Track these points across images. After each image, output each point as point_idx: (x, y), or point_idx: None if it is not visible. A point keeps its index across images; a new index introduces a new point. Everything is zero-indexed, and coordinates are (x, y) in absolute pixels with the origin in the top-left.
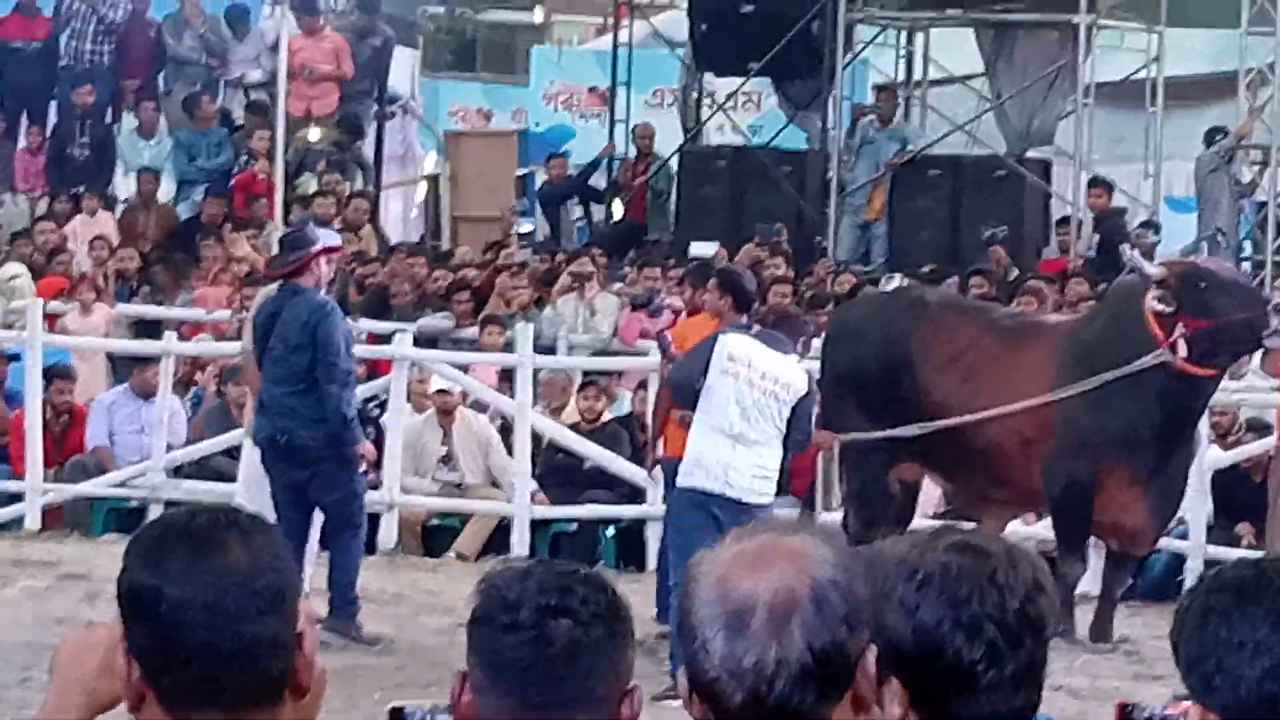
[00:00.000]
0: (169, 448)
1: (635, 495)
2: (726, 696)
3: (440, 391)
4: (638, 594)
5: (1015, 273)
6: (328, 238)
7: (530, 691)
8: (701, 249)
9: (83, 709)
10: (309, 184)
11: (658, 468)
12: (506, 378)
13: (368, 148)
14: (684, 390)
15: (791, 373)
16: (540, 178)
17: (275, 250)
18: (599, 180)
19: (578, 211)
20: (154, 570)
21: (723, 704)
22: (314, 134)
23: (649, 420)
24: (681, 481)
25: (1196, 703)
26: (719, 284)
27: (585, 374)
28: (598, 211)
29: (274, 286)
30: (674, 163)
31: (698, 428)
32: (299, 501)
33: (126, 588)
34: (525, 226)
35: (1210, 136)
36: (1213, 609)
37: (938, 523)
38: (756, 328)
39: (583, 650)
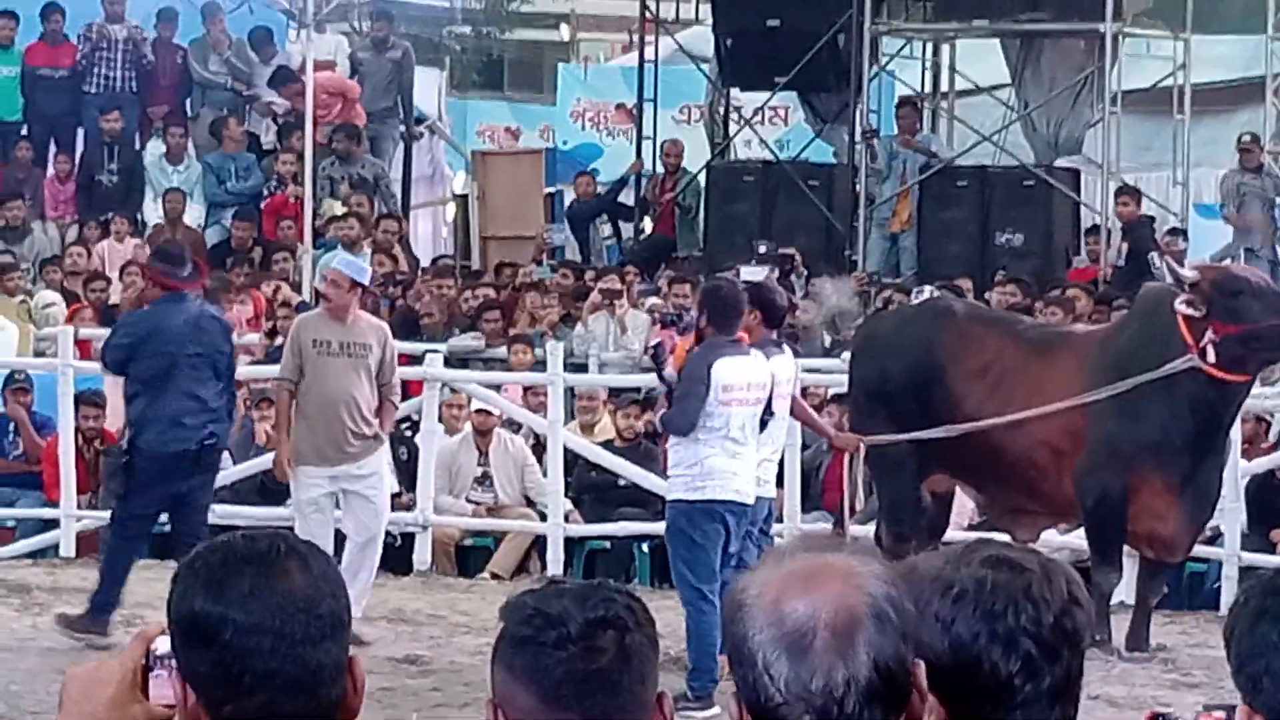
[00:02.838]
0: None
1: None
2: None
3: (480, 411)
4: (673, 609)
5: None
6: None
7: (588, 704)
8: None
9: None
10: (333, 207)
11: None
12: (533, 396)
13: (395, 168)
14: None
15: (773, 371)
16: (569, 196)
17: (187, 266)
18: (627, 197)
19: (607, 229)
20: (217, 596)
21: None
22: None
23: None
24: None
25: (1244, 704)
26: (749, 300)
27: (617, 390)
28: (626, 229)
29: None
30: (702, 178)
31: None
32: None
33: (186, 614)
34: (557, 239)
35: (1240, 142)
36: (1266, 611)
37: (972, 535)
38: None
39: (632, 657)
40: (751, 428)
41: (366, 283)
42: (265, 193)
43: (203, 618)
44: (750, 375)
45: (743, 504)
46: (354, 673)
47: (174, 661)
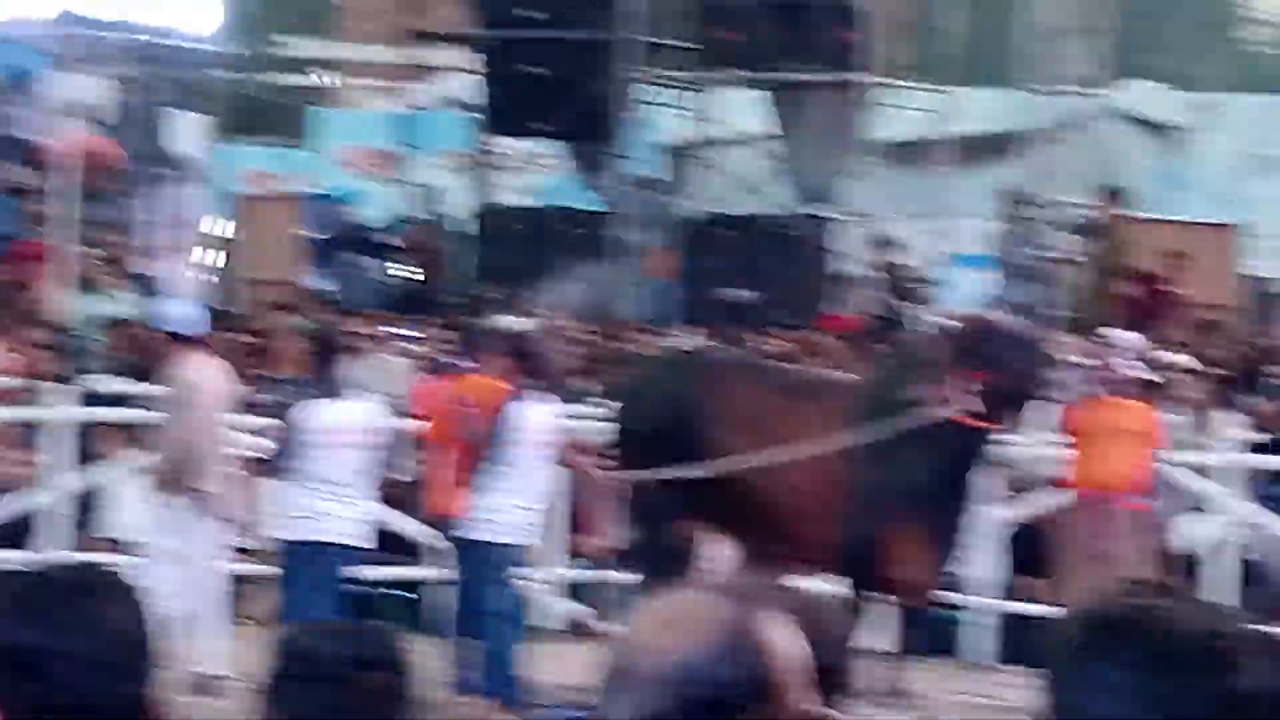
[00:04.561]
0: None
1: (426, 557)
2: None
3: None
4: (428, 658)
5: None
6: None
7: None
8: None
9: None
10: (86, 249)
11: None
12: None
13: (143, 209)
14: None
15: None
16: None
17: None
18: (391, 240)
19: (369, 265)
20: (29, 624)
21: None
22: None
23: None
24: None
25: None
26: (506, 349)
27: None
28: (389, 270)
29: None
30: (465, 225)
31: (496, 491)
32: None
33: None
34: (316, 283)
35: (1008, 193)
36: (1086, 644)
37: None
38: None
39: (392, 698)
40: (357, 472)
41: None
42: (17, 234)
43: (14, 647)
44: (356, 419)
45: (342, 546)
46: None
47: None
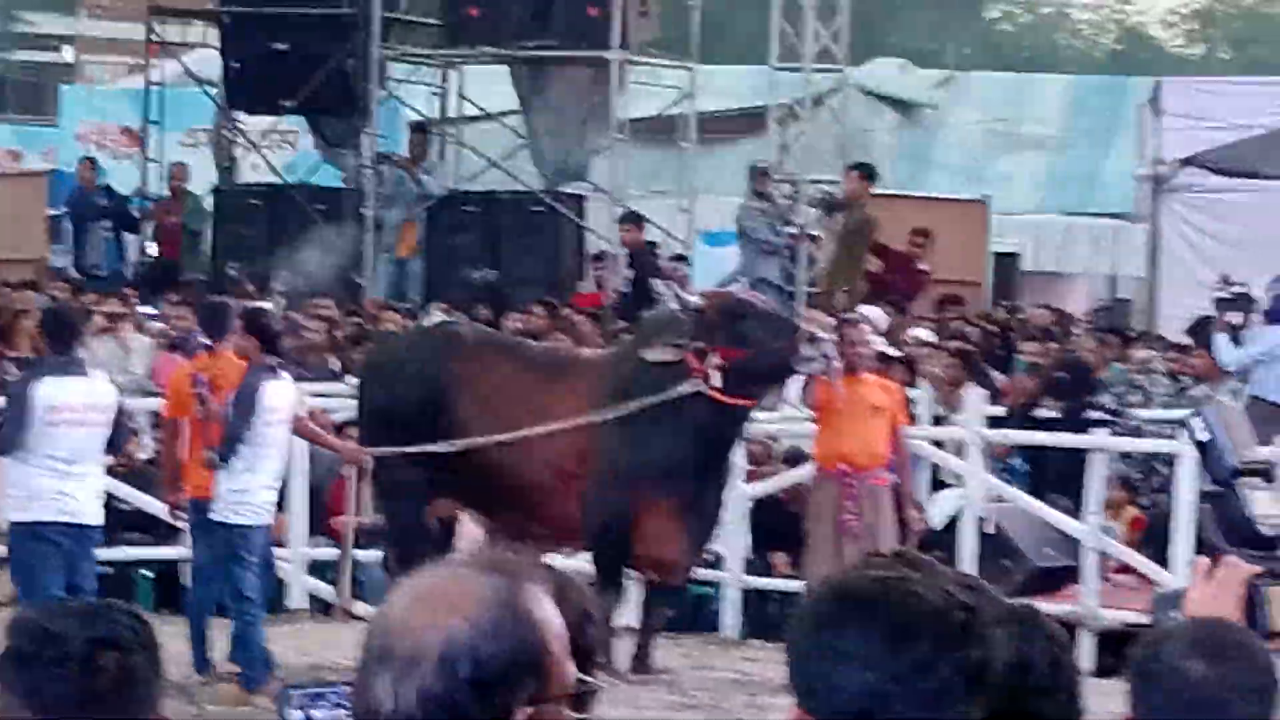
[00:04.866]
0: None
1: (173, 536)
2: None
3: None
4: (175, 638)
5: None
6: None
7: None
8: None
9: None
10: None
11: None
12: None
13: None
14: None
15: (277, 396)
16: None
17: None
18: (135, 217)
19: (113, 242)
20: None
21: None
22: None
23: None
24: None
25: (799, 706)
26: (244, 325)
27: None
28: (131, 246)
29: None
30: (209, 202)
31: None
32: None
33: None
34: (61, 261)
35: (752, 169)
36: (829, 615)
37: None
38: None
39: (132, 679)
40: (88, 449)
41: None
42: None
43: None
44: (85, 397)
45: (78, 525)
46: None
47: None
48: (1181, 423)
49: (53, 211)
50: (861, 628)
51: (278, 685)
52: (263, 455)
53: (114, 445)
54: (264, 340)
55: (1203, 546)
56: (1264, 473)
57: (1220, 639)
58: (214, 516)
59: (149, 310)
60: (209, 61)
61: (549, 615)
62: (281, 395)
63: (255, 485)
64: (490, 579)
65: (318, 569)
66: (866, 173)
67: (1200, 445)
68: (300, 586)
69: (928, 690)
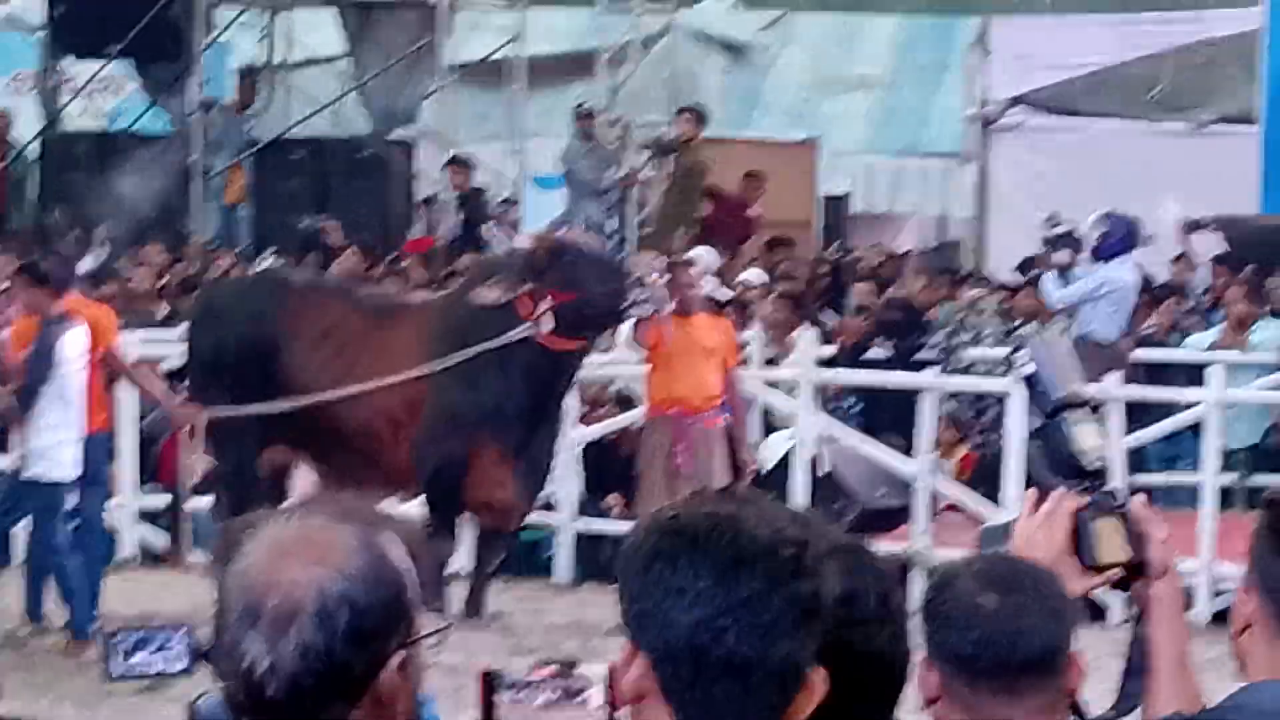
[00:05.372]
0: None
1: None
2: (231, 685)
3: None
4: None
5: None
6: None
7: None
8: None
9: None
10: None
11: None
12: None
13: None
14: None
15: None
16: None
17: None
18: None
19: None
20: None
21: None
22: None
23: None
24: (50, 476)
25: (630, 640)
26: (25, 279)
27: None
28: None
29: None
30: (35, 149)
31: (44, 427)
32: None
33: None
34: None
35: (577, 111)
36: (660, 551)
37: None
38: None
39: None
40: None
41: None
42: None
43: None
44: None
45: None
46: None
47: None
48: (1008, 360)
49: None
50: (692, 563)
51: (108, 636)
52: (67, 407)
53: None
54: (53, 287)
55: (1032, 483)
56: (1090, 405)
57: (1010, 570)
58: (28, 474)
59: None
60: (31, 5)
61: (407, 561)
62: (76, 344)
63: (62, 440)
64: (349, 528)
65: (148, 517)
66: (698, 115)
67: (1026, 380)
68: (131, 535)
69: (760, 624)
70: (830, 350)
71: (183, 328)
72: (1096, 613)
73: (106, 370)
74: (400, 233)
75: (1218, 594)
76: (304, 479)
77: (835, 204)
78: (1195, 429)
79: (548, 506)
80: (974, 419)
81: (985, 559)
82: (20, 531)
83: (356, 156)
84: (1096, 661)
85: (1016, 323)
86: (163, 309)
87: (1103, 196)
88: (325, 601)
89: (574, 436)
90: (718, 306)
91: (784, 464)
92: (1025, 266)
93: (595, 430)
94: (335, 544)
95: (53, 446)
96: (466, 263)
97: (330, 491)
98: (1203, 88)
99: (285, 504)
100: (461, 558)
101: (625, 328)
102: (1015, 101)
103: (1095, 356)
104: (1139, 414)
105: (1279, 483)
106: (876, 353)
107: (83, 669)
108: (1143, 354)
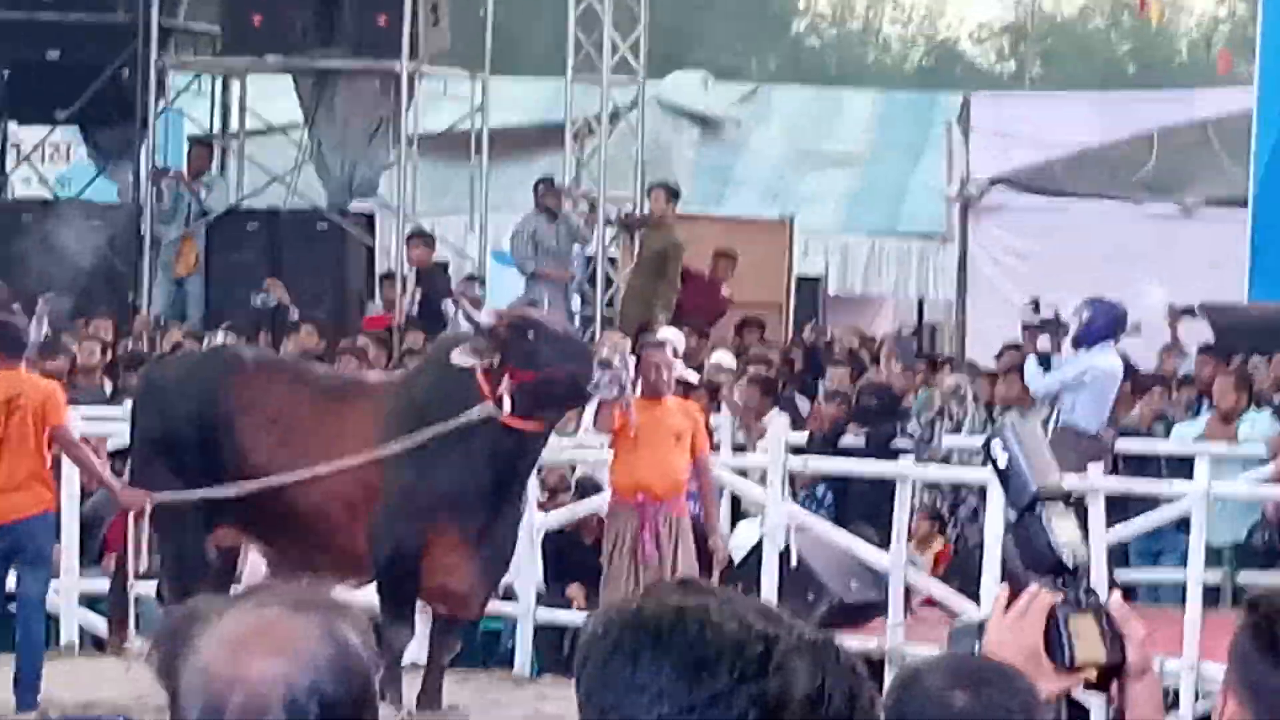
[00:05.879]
0: None
1: None
2: None
3: None
4: None
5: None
6: None
7: None
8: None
9: None
10: None
11: None
12: None
13: None
14: None
15: None
16: None
17: None
18: None
19: None
20: None
21: None
22: None
23: None
24: None
25: None
26: None
27: None
28: None
29: None
30: None
31: None
32: None
33: None
34: None
35: (536, 187)
36: (621, 645)
37: None
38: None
39: None
40: None
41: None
42: None
43: None
44: None
45: None
46: None
47: None
48: (985, 448)
49: None
50: (655, 658)
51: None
52: None
53: None
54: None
55: (1006, 578)
56: (1066, 497)
57: (979, 668)
58: None
59: None
60: None
61: (370, 648)
62: None
63: None
64: (310, 616)
65: (89, 601)
66: (669, 191)
67: (1000, 472)
68: (71, 619)
69: None
70: (802, 437)
71: (128, 405)
72: (1078, 713)
73: (53, 449)
74: (358, 308)
75: (1203, 695)
76: (255, 562)
77: (810, 285)
78: (1180, 523)
79: (508, 596)
80: (952, 510)
81: (954, 655)
82: None
83: (313, 229)
84: None
85: (998, 409)
86: (108, 385)
87: (1086, 280)
88: (295, 695)
89: (535, 523)
90: (686, 389)
91: (755, 554)
92: (1006, 354)
93: (557, 517)
94: (298, 634)
95: None
96: (425, 341)
97: (281, 577)
98: (1190, 169)
99: (233, 590)
100: (416, 648)
101: (590, 410)
102: (996, 181)
103: (1077, 446)
104: (1121, 507)
105: (1266, 581)
106: (850, 440)
107: None
108: (1126, 445)
